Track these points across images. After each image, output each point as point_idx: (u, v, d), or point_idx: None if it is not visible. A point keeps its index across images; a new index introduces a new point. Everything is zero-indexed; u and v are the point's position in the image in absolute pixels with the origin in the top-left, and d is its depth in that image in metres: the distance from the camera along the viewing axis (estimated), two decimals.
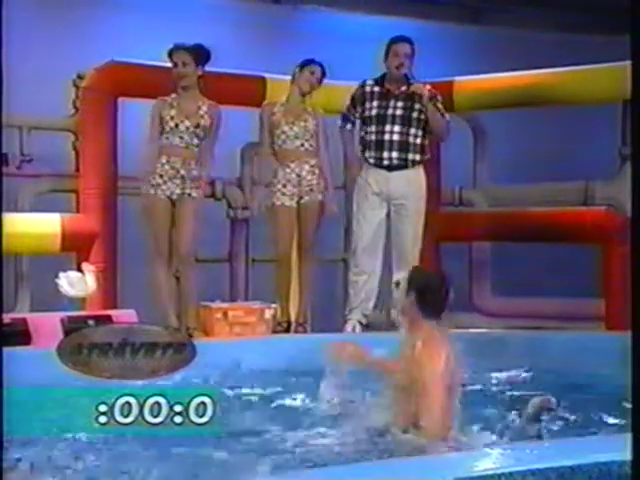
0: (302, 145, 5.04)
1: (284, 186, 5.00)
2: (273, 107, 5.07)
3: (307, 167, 5.03)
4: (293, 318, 5.16)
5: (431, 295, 2.96)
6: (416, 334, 2.97)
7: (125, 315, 4.56)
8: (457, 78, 5.94)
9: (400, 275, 4.91)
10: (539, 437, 3.06)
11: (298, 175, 5.01)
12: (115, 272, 5.25)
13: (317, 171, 5.05)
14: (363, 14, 6.99)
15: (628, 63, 5.69)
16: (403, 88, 5.01)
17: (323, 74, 5.04)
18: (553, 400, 3.13)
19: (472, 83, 5.95)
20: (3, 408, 1.79)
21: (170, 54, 4.74)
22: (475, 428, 2.97)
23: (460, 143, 6.42)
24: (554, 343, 3.87)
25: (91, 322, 4.34)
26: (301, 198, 5.02)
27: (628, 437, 1.80)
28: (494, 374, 4.05)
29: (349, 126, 5.14)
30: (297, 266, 5.11)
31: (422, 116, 5.00)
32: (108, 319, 4.40)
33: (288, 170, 5.01)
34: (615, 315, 5.31)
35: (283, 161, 5.02)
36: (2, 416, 1.82)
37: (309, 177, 5.02)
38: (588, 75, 5.66)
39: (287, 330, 5.12)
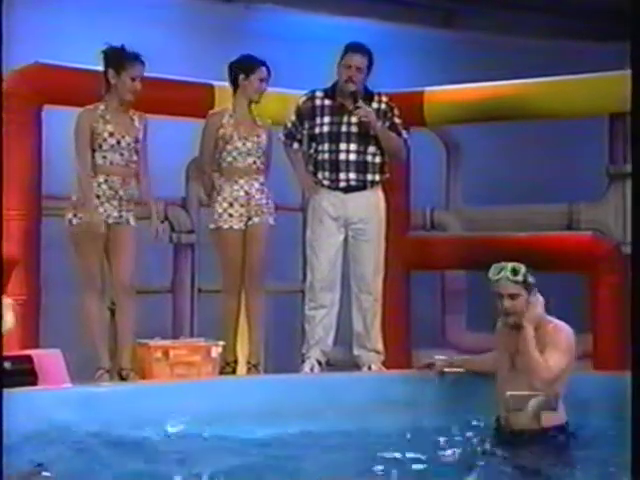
0: (254, 162, 4.96)
1: (231, 205, 4.91)
2: (221, 118, 4.96)
3: (257, 185, 4.94)
4: (245, 357, 5.06)
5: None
6: (543, 329, 3.71)
7: (49, 355, 4.46)
8: (428, 88, 5.94)
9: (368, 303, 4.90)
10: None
11: (247, 193, 4.92)
12: (37, 306, 5.12)
13: (266, 189, 4.98)
14: (324, 15, 6.98)
15: (615, 73, 5.73)
16: (360, 102, 4.91)
17: (269, 75, 4.95)
18: (552, 400, 3.54)
19: (445, 94, 5.95)
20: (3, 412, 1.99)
21: (127, 62, 4.57)
22: None
23: (432, 160, 6.44)
24: None
25: (7, 364, 4.21)
26: (249, 219, 4.94)
27: None
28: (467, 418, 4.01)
29: (296, 145, 5.05)
30: (245, 298, 5.02)
31: (373, 132, 4.94)
32: (28, 360, 4.29)
33: (236, 187, 4.91)
34: (604, 352, 5.30)
35: (230, 177, 4.93)
36: (2, 418, 2.03)
37: (258, 196, 4.94)
38: (572, 86, 5.69)
39: (235, 371, 5.01)
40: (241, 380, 4.84)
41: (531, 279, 3.66)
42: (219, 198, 4.93)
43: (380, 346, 5.04)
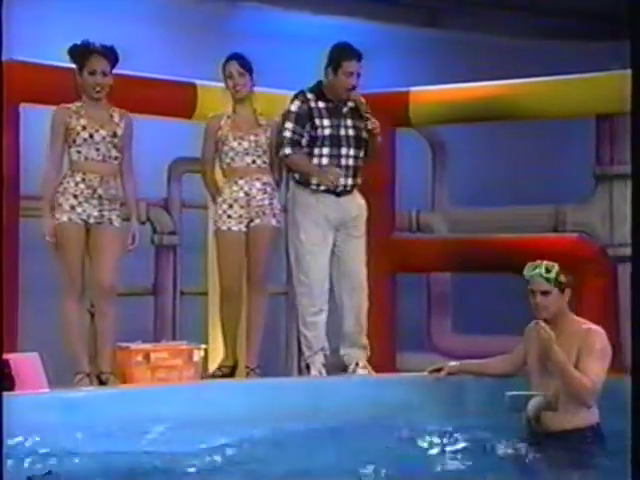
0: (254, 162, 4.90)
1: (230, 206, 4.85)
2: (220, 120, 4.91)
3: (258, 185, 4.87)
4: (244, 362, 4.98)
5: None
6: (564, 324, 3.78)
7: (26, 359, 4.40)
8: (413, 88, 5.93)
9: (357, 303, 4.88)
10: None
11: (247, 194, 4.87)
12: (15, 308, 4.99)
13: (269, 189, 4.92)
14: (309, 14, 6.98)
15: (602, 74, 5.74)
16: (349, 104, 4.90)
17: (245, 66, 4.87)
18: (553, 400, 3.62)
19: (430, 94, 5.93)
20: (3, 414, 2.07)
21: (85, 57, 4.53)
22: None
23: (417, 161, 6.43)
24: (522, 390, 3.86)
25: None
26: (251, 221, 4.88)
27: None
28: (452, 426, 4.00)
29: (304, 149, 4.86)
30: (247, 301, 4.96)
31: (364, 135, 4.93)
32: (5, 364, 4.23)
33: (235, 188, 4.85)
34: None
35: (230, 178, 4.88)
36: (2, 421, 2.09)
37: (259, 196, 4.88)
38: (559, 87, 5.68)
39: (230, 374, 4.93)
40: (225, 384, 4.80)
41: (563, 278, 3.77)
42: (220, 199, 4.88)
43: (366, 341, 5.03)
